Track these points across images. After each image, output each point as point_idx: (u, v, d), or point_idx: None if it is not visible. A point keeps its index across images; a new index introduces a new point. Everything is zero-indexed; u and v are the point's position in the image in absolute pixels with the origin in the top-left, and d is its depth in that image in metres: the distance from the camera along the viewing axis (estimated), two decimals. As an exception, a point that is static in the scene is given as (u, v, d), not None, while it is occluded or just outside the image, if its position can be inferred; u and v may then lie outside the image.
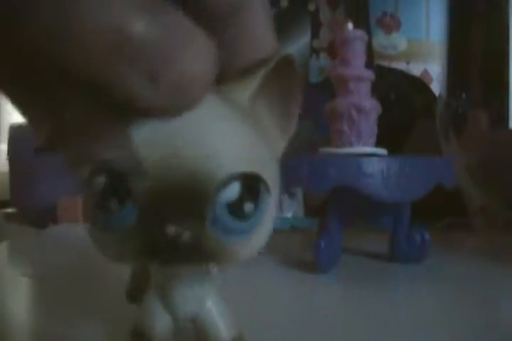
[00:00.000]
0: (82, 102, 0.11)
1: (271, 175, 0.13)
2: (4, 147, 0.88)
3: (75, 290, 0.34)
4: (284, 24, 1.14)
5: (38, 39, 0.09)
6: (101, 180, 0.12)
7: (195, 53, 0.10)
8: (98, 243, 0.14)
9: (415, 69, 1.15)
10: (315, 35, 1.17)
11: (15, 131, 0.86)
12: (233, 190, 0.12)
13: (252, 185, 0.13)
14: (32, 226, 0.70)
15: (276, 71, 0.14)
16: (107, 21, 0.09)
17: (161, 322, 0.17)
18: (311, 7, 1.16)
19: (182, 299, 0.17)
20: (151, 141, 0.12)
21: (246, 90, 0.14)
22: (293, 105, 0.15)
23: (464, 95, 0.69)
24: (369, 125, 0.41)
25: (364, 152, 0.40)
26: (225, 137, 0.12)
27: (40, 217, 0.72)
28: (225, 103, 0.13)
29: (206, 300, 0.17)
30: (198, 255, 0.12)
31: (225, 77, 0.13)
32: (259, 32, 0.13)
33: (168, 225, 0.12)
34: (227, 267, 0.14)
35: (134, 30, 0.09)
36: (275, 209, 0.14)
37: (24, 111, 0.13)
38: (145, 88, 0.10)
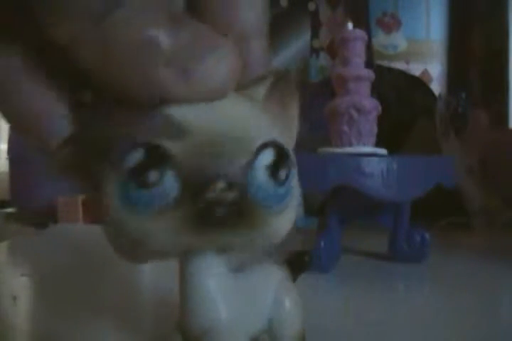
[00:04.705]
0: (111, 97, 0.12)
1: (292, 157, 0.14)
2: (4, 147, 0.88)
3: (75, 290, 0.34)
4: (284, 24, 1.14)
5: (88, 57, 0.11)
6: (135, 155, 0.12)
7: (221, 54, 0.12)
8: (132, 236, 0.12)
9: (415, 69, 1.15)
10: (315, 35, 1.16)
11: (15, 131, 0.86)
12: (268, 156, 0.13)
13: (282, 154, 0.13)
14: (32, 226, 0.70)
15: (276, 85, 0.14)
16: (142, 35, 0.11)
17: None
18: (311, 7, 1.16)
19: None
20: (188, 109, 0.12)
21: (259, 92, 0.14)
22: (292, 118, 0.15)
23: (463, 95, 0.69)
24: (369, 125, 0.41)
25: (364, 152, 0.40)
26: (252, 117, 0.13)
27: (40, 217, 0.72)
28: (244, 96, 0.14)
29: (273, 294, 0.17)
30: (239, 221, 0.12)
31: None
32: (261, 59, 0.14)
33: (216, 182, 0.12)
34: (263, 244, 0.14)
35: (164, 40, 0.11)
36: (298, 193, 0.14)
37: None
38: (178, 84, 0.12)
